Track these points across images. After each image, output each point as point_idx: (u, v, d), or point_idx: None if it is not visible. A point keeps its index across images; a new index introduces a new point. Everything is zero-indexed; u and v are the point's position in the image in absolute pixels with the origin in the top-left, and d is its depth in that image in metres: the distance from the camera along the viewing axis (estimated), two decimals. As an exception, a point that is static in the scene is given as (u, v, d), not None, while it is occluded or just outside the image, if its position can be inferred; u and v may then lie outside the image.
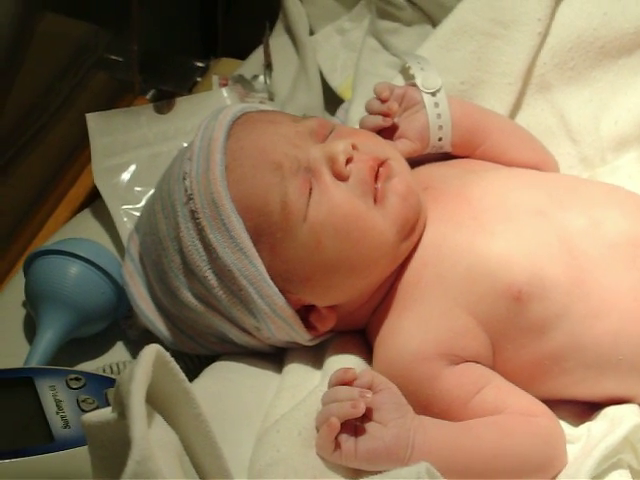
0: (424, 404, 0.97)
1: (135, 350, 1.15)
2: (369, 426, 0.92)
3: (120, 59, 1.49)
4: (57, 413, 0.94)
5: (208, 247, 0.99)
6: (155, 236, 1.04)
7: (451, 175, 1.10)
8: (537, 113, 1.24)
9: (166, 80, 1.48)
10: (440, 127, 1.12)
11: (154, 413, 0.73)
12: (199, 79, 1.47)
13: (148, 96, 1.45)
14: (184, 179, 1.00)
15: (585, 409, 1.03)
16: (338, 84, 1.39)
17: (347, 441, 0.91)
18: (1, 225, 1.29)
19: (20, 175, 1.34)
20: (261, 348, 1.06)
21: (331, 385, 0.95)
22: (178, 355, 1.09)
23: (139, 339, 1.15)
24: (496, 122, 1.17)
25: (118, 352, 1.14)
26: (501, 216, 1.02)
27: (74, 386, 0.97)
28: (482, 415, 0.97)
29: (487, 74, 1.22)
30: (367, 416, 0.92)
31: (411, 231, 1.01)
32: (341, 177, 0.98)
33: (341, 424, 0.91)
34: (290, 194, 0.97)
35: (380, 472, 0.91)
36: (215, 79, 1.37)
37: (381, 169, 1.01)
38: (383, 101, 1.11)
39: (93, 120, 1.24)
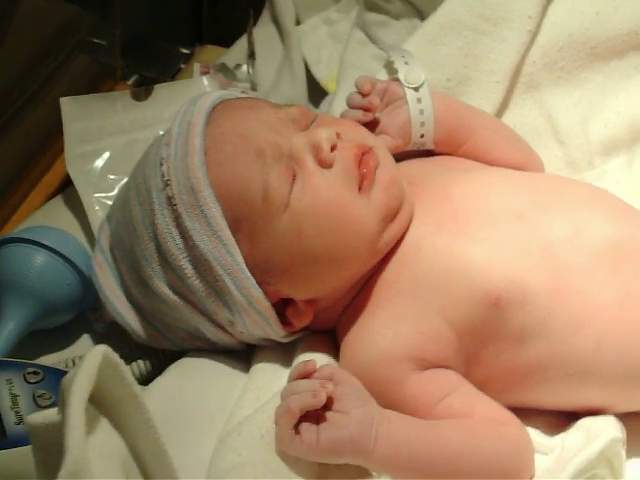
0: (388, 406, 0.93)
1: (102, 343, 1.10)
2: (331, 415, 0.89)
3: (103, 42, 1.46)
4: (11, 408, 0.91)
5: (184, 235, 0.96)
6: (129, 224, 1.01)
7: (433, 172, 1.07)
8: (524, 113, 1.21)
9: (149, 66, 1.45)
10: (422, 123, 1.09)
11: (100, 417, 0.70)
12: (183, 66, 1.44)
13: (130, 81, 1.43)
14: (161, 165, 0.97)
15: (559, 418, 1.00)
16: (323, 76, 1.36)
17: (308, 431, 0.88)
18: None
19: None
20: (231, 345, 1.04)
21: (291, 379, 0.93)
22: (145, 350, 1.08)
23: (106, 332, 1.12)
24: (480, 119, 1.14)
25: (83, 345, 1.12)
26: (482, 220, 1.00)
27: (32, 380, 0.95)
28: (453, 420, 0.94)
29: (474, 71, 1.19)
30: (329, 408, 0.90)
31: (393, 218, 0.98)
32: (325, 164, 0.96)
33: (302, 416, 0.88)
34: (272, 181, 0.94)
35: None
36: (196, 67, 1.34)
37: (365, 156, 0.98)
38: (364, 95, 1.08)
39: (67, 105, 1.21)
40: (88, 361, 0.66)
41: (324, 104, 1.31)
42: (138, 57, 1.45)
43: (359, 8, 1.38)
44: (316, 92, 1.36)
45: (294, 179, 0.95)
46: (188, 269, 0.97)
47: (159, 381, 1.00)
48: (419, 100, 1.09)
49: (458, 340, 0.96)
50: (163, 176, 0.96)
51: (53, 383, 0.95)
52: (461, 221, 0.99)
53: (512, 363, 0.97)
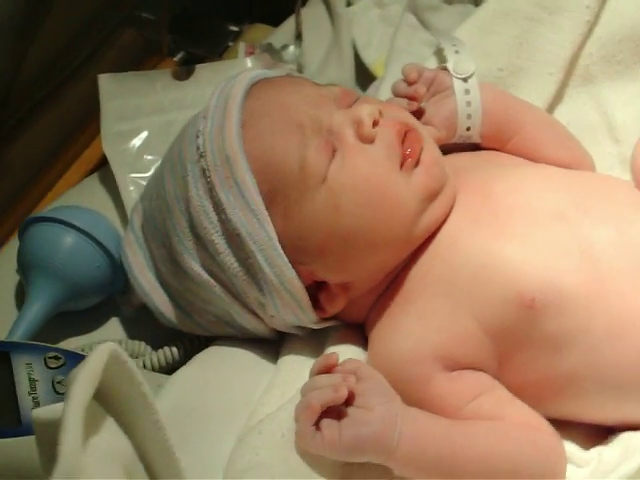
0: (414, 405, 0.90)
1: (129, 328, 1.10)
2: (353, 411, 0.86)
3: (151, 17, 1.43)
4: (29, 394, 0.89)
5: (218, 207, 0.93)
6: (161, 199, 0.99)
7: (476, 166, 1.04)
8: (579, 107, 1.17)
9: (197, 43, 1.42)
10: (469, 116, 1.05)
11: (106, 416, 0.67)
12: (231, 44, 1.41)
13: (176, 58, 1.39)
14: (197, 137, 0.95)
15: (596, 432, 0.96)
16: (372, 60, 1.31)
17: (329, 427, 0.85)
18: (11, 183, 1.25)
19: (34, 132, 1.30)
20: (261, 332, 1.01)
21: (313, 374, 0.90)
22: (176, 336, 1.06)
23: (134, 316, 1.10)
24: (531, 115, 1.10)
25: (111, 329, 1.10)
26: (523, 218, 0.95)
27: (52, 365, 0.92)
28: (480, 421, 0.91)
29: (528, 62, 1.15)
30: (351, 403, 0.87)
31: (433, 200, 0.95)
32: (366, 139, 0.93)
33: (323, 413, 0.85)
34: (310, 153, 0.92)
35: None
36: (242, 47, 1.30)
37: (409, 134, 0.95)
38: (410, 83, 1.05)
39: (106, 82, 1.19)
40: (92, 359, 0.63)
41: (371, 89, 1.27)
42: (186, 33, 1.41)
43: (412, -8, 1.33)
44: (364, 76, 1.32)
45: (333, 154, 0.93)
46: (220, 244, 0.94)
47: (183, 371, 0.98)
48: (467, 91, 1.05)
49: (490, 342, 0.92)
50: (198, 148, 0.94)
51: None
52: (501, 217, 0.95)
53: (547, 371, 0.93)
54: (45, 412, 0.67)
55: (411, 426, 0.86)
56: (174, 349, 1.05)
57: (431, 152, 0.97)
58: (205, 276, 0.97)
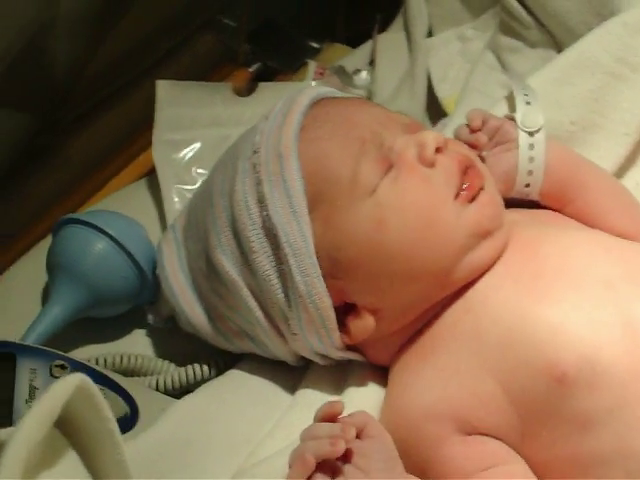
0: (421, 466, 0.86)
1: (154, 342, 1.08)
2: (349, 471, 0.81)
3: (232, 23, 1.41)
4: (27, 402, 0.88)
5: (260, 204, 0.91)
6: (207, 194, 0.98)
7: (528, 223, 0.98)
8: (651, 171, 1.11)
9: (275, 55, 1.40)
10: (530, 172, 1.00)
11: (68, 449, 0.65)
12: (308, 61, 1.38)
13: (252, 69, 1.37)
14: (254, 135, 0.95)
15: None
16: (445, 95, 1.27)
17: None
18: (65, 177, 1.25)
19: (98, 127, 1.30)
20: (281, 354, 0.98)
21: (316, 420, 0.85)
22: (202, 355, 1.03)
23: (161, 327, 1.07)
24: (597, 179, 1.03)
25: (134, 341, 1.07)
26: (566, 282, 0.90)
27: (57, 374, 0.91)
28: None
29: (602, 118, 1.09)
30: (349, 460, 0.82)
31: (484, 238, 0.91)
32: (427, 162, 0.90)
33: (319, 465, 0.80)
34: (364, 165, 0.90)
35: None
36: (312, 66, 1.27)
37: (470, 169, 0.92)
38: (473, 130, 1.00)
39: (164, 88, 1.17)
40: (52, 395, 0.60)
41: (438, 126, 1.22)
42: (264, 44, 1.39)
43: (494, 30, 1.28)
44: (435, 111, 1.28)
45: (389, 169, 0.90)
46: (255, 242, 0.92)
47: (189, 398, 0.95)
48: (532, 146, 1.00)
49: (513, 411, 0.86)
50: (254, 145, 0.94)
51: (78, 381, 0.91)
52: (544, 280, 0.90)
53: (572, 451, 0.86)
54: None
55: None
56: (197, 368, 1.02)
57: (490, 193, 0.93)
58: (234, 275, 0.94)
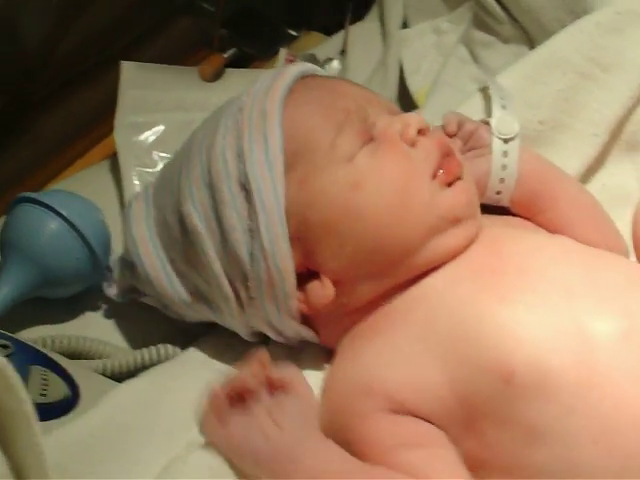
0: (346, 438, 0.85)
1: (104, 325, 1.06)
2: (264, 421, 0.84)
3: (210, 8, 1.40)
4: (-35, 381, 0.86)
5: (239, 157, 0.91)
6: (184, 150, 0.98)
7: (495, 224, 0.97)
8: (618, 174, 1.10)
9: (251, 41, 1.39)
10: (502, 180, 0.98)
11: (-17, 430, 0.63)
12: (282, 49, 1.36)
13: (226, 54, 1.36)
14: (241, 96, 0.95)
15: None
16: (416, 88, 1.25)
17: (238, 427, 0.84)
18: (32, 154, 1.25)
19: (68, 106, 1.28)
20: (236, 323, 0.96)
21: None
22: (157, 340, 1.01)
23: (110, 313, 1.06)
24: (568, 191, 1.02)
25: (84, 322, 1.05)
26: (525, 283, 0.88)
27: (-3, 354, 0.89)
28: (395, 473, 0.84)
29: (571, 118, 1.08)
30: (269, 412, 0.84)
31: (453, 224, 0.90)
32: (409, 141, 0.91)
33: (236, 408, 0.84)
34: (346, 133, 0.90)
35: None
36: (282, 53, 1.25)
37: (450, 157, 0.92)
38: (449, 135, 0.99)
39: (128, 70, 1.16)
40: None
41: (409, 118, 1.21)
42: (241, 30, 1.38)
43: (467, 24, 1.26)
44: (405, 103, 1.26)
45: (369, 141, 0.91)
46: (226, 193, 0.91)
47: (132, 383, 0.93)
48: (505, 153, 0.98)
49: (457, 403, 0.85)
50: (240, 103, 0.94)
51: (20, 361, 0.89)
52: (502, 278, 0.89)
53: (517, 455, 0.84)
54: None
55: (312, 461, 0.82)
56: (145, 353, 1.00)
57: (467, 184, 0.92)
58: (200, 228, 0.93)
